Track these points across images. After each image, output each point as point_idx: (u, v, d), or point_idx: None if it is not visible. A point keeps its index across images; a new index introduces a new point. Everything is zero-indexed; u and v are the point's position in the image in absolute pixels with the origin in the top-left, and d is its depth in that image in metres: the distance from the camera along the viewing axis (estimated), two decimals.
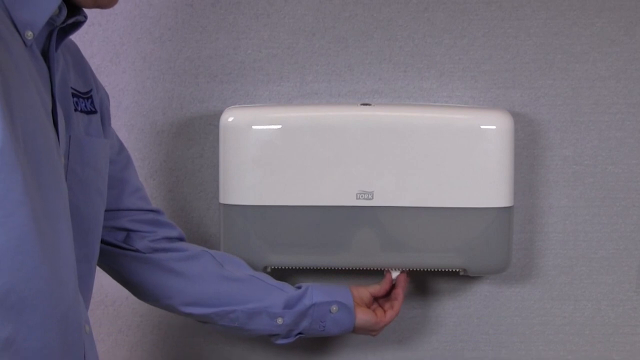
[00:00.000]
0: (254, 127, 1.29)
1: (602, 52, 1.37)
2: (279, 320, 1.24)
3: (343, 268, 1.33)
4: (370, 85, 1.39)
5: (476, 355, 1.44)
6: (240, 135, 1.29)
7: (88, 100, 1.09)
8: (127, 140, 1.42)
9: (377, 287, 1.32)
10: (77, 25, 1.00)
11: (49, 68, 0.96)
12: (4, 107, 0.83)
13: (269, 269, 1.33)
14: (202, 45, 1.40)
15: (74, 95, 1.05)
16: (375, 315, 1.28)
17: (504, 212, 1.29)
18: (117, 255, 1.21)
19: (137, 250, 1.21)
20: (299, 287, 1.28)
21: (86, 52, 1.41)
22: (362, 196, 1.28)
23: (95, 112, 1.10)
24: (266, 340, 1.30)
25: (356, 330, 1.28)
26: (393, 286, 1.33)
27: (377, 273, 1.36)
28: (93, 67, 1.41)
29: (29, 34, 0.91)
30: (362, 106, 1.31)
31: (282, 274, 1.39)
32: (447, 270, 1.33)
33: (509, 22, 1.38)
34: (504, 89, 1.39)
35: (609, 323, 1.42)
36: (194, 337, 1.45)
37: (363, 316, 1.27)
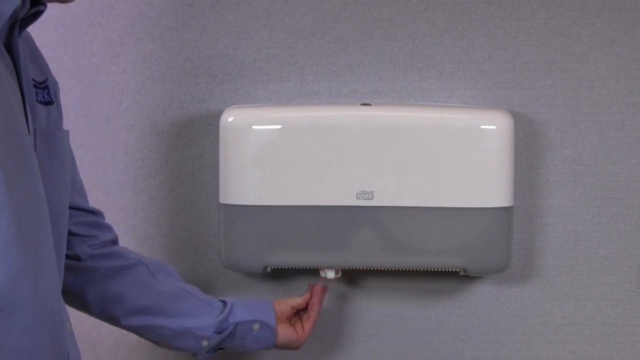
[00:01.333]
0: (254, 127, 1.29)
1: (602, 52, 1.37)
2: (204, 343, 1.23)
3: (343, 268, 1.33)
4: (370, 85, 1.39)
5: (476, 355, 1.44)
6: (240, 135, 1.29)
7: (45, 91, 1.06)
8: (127, 140, 1.42)
9: (299, 300, 1.31)
10: (37, 15, 0.98)
11: (14, 61, 0.94)
12: None
13: (269, 269, 1.33)
14: (202, 45, 1.40)
15: (34, 86, 1.02)
16: (296, 332, 1.28)
17: (504, 212, 1.29)
18: None
19: (75, 256, 1.18)
20: (223, 302, 1.27)
21: (86, 52, 1.42)
22: (362, 196, 1.28)
23: (52, 102, 1.07)
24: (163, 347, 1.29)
25: (277, 346, 1.28)
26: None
27: (377, 273, 1.36)
28: (93, 67, 1.42)
29: None
30: (362, 106, 1.31)
31: (282, 274, 1.39)
32: (447, 270, 1.33)
33: (509, 22, 1.38)
34: (504, 89, 1.39)
35: (609, 323, 1.42)
36: None
37: (284, 334, 1.27)
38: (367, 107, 1.31)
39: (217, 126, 1.32)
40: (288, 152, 1.28)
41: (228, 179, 1.30)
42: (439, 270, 1.33)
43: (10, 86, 0.90)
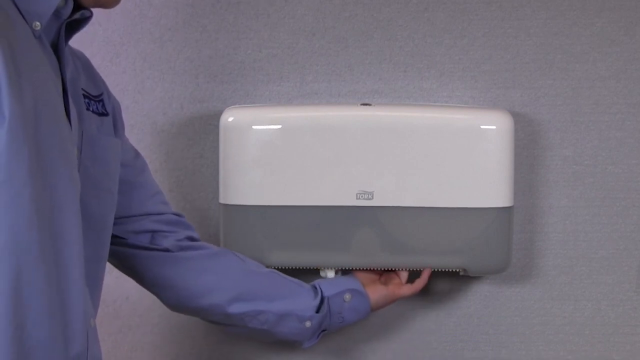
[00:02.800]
0: (254, 127, 1.29)
1: (602, 52, 1.37)
2: (307, 324, 1.25)
3: (343, 268, 1.33)
4: (370, 85, 1.39)
5: (476, 355, 1.44)
6: (240, 135, 1.29)
7: (99, 103, 1.09)
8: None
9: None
10: (83, 21, 1.01)
11: (59, 61, 0.97)
12: (14, 80, 0.84)
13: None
14: (202, 45, 1.40)
15: (85, 96, 1.06)
16: (387, 287, 1.29)
17: (504, 212, 1.29)
18: (145, 258, 1.20)
19: (165, 250, 1.20)
20: (311, 285, 1.29)
21: (86, 52, 1.41)
22: (362, 196, 1.28)
23: (107, 114, 1.11)
24: (265, 340, 1.30)
25: (373, 308, 1.29)
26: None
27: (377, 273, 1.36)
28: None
29: (37, 25, 0.92)
30: (362, 106, 1.31)
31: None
32: (447, 270, 1.33)
33: (509, 22, 1.38)
34: (504, 89, 1.39)
35: (609, 323, 1.42)
36: (194, 337, 1.45)
37: (375, 294, 1.28)
38: (367, 107, 1.31)
39: (217, 126, 1.32)
40: (288, 152, 1.28)
41: (228, 179, 1.30)
42: (439, 270, 1.33)
43: (50, 77, 0.93)
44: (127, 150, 1.19)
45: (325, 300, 1.26)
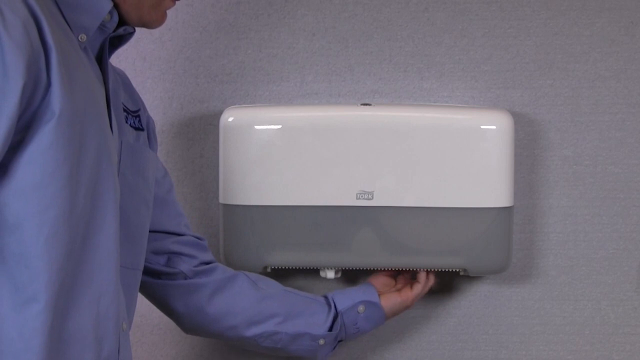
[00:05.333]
0: (254, 127, 1.29)
1: (602, 52, 1.37)
2: (321, 342, 1.25)
3: (343, 268, 1.33)
4: (370, 85, 1.39)
5: (476, 355, 1.44)
6: (241, 135, 1.29)
7: (136, 118, 1.12)
8: None
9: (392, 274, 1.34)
10: (127, 37, 1.04)
11: (103, 73, 1.00)
12: (65, 80, 0.86)
13: (269, 269, 1.33)
14: (202, 45, 1.40)
15: (124, 110, 1.08)
16: (400, 295, 1.30)
17: (504, 212, 1.29)
18: (161, 286, 1.21)
19: (180, 273, 1.21)
20: (325, 297, 1.29)
21: None
22: (362, 196, 1.28)
23: (142, 129, 1.13)
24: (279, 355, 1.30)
25: (388, 316, 1.30)
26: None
27: (377, 273, 1.36)
28: None
29: (83, 37, 0.95)
30: (362, 106, 1.31)
31: (282, 274, 1.39)
32: (447, 270, 1.33)
33: (509, 22, 1.38)
34: (504, 89, 1.39)
35: (609, 323, 1.42)
36: (194, 337, 1.45)
37: (388, 303, 1.29)
38: (367, 107, 1.31)
39: (217, 126, 1.32)
40: (288, 152, 1.28)
41: (228, 179, 1.30)
42: (439, 270, 1.33)
43: (99, 90, 0.95)
44: (158, 167, 1.19)
45: (339, 315, 1.26)
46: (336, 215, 1.29)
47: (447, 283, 1.42)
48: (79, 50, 0.94)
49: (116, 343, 0.95)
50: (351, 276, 1.42)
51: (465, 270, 1.31)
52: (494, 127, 1.28)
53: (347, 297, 1.28)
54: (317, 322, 1.25)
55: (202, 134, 1.42)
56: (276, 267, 1.33)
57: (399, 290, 1.31)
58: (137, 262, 1.08)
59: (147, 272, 1.18)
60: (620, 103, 1.38)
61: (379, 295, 1.29)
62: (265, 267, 1.33)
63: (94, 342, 0.91)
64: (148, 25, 1.03)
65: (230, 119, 1.30)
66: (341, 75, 1.40)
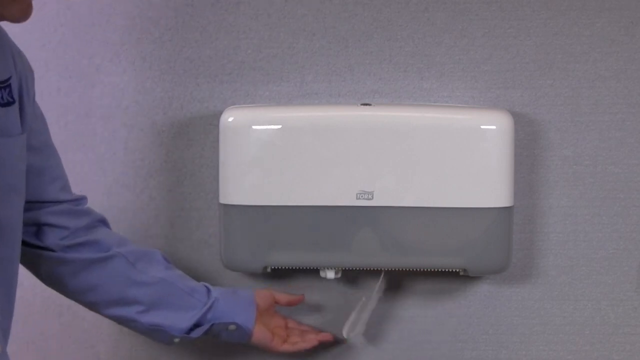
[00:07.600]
0: (254, 127, 1.29)
1: (602, 52, 1.37)
2: (176, 340, 1.26)
3: (343, 268, 1.33)
4: (370, 85, 1.39)
5: (476, 355, 1.44)
6: (240, 135, 1.29)
7: (5, 90, 1.02)
8: (127, 140, 1.42)
9: (285, 297, 1.34)
10: None
11: None
12: None
13: (269, 269, 1.33)
14: (202, 45, 1.40)
15: None
16: (271, 339, 1.30)
17: (504, 212, 1.29)
18: (29, 252, 1.17)
19: (47, 248, 1.18)
20: (208, 291, 1.28)
21: (86, 52, 1.42)
22: (362, 196, 1.28)
23: (12, 102, 1.03)
24: None
25: (250, 344, 1.31)
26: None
27: (377, 273, 1.36)
28: (93, 67, 1.41)
29: None
30: (362, 106, 1.31)
31: (282, 274, 1.39)
32: (447, 270, 1.33)
33: (509, 22, 1.38)
34: (504, 89, 1.38)
35: (609, 323, 1.42)
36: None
37: (259, 336, 1.29)
38: (367, 107, 1.31)
39: (217, 126, 1.32)
40: (288, 152, 1.28)
41: (228, 179, 1.30)
42: (439, 270, 1.33)
43: None
44: (33, 129, 1.10)
45: (207, 324, 1.26)
46: (336, 215, 1.29)
47: (447, 283, 1.42)
48: None
49: None
50: (351, 276, 1.42)
51: (465, 270, 1.31)
52: (494, 127, 1.28)
53: (227, 312, 1.27)
54: (179, 320, 1.24)
55: (202, 134, 1.42)
56: (276, 267, 1.33)
57: (275, 334, 1.31)
58: (9, 256, 1.04)
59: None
60: (620, 103, 1.38)
61: (259, 315, 1.29)
62: (265, 267, 1.33)
63: None
64: (10, 20, 0.93)
65: (230, 119, 1.30)
66: (341, 75, 1.39)
